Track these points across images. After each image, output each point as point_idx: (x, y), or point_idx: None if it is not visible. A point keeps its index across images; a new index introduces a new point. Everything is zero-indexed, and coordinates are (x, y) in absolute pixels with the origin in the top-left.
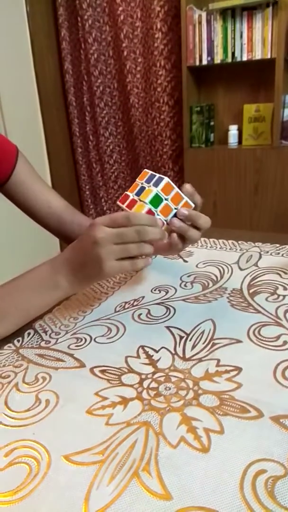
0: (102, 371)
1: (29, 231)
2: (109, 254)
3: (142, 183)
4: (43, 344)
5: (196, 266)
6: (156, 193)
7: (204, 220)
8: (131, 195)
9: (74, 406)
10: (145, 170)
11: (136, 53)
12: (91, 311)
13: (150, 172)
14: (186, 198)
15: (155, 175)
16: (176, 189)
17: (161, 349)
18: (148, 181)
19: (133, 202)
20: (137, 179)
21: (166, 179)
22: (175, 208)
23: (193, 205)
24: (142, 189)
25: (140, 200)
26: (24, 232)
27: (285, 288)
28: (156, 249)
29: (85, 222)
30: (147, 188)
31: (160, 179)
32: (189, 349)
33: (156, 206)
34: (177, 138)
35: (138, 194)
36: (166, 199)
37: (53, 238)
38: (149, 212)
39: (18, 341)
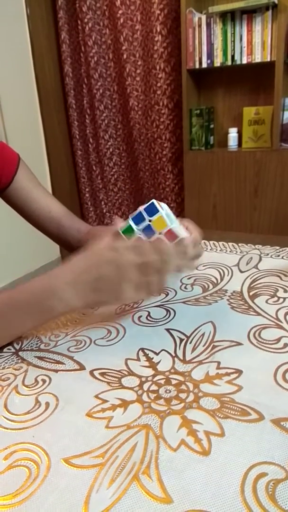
0: (102, 374)
1: (30, 235)
2: (130, 284)
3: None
4: (42, 346)
5: (196, 268)
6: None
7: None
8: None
9: (74, 409)
10: (121, 229)
11: (136, 56)
12: (91, 313)
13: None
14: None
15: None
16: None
17: (161, 352)
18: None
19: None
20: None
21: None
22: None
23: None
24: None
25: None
26: (24, 235)
27: (285, 291)
28: None
29: (84, 227)
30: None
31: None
32: (189, 352)
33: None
34: (177, 141)
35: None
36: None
37: (53, 242)
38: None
39: (18, 343)
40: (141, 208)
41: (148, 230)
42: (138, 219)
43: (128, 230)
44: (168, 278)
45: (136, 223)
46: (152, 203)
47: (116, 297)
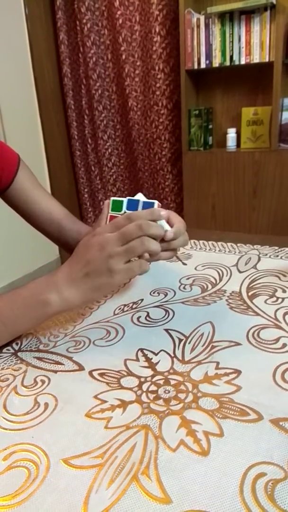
0: (101, 374)
1: (29, 235)
2: (116, 257)
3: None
4: (41, 347)
5: (195, 268)
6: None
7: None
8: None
9: (73, 410)
10: (114, 198)
11: (134, 57)
12: (90, 314)
13: (127, 198)
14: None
15: (136, 200)
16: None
17: (160, 352)
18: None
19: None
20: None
21: (156, 202)
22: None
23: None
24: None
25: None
26: (23, 236)
27: (284, 291)
28: None
29: (85, 229)
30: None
31: (151, 204)
32: (188, 352)
33: None
34: (176, 141)
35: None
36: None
37: (52, 242)
38: None
39: (17, 344)
40: (142, 199)
41: None
42: (132, 205)
43: (118, 206)
44: (152, 241)
45: (128, 207)
46: (153, 203)
47: (110, 276)
